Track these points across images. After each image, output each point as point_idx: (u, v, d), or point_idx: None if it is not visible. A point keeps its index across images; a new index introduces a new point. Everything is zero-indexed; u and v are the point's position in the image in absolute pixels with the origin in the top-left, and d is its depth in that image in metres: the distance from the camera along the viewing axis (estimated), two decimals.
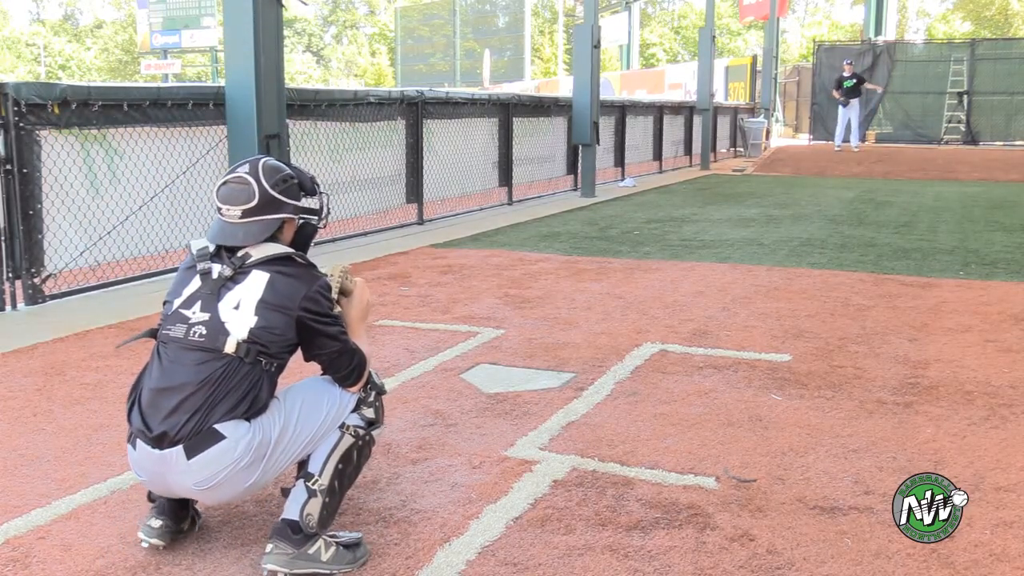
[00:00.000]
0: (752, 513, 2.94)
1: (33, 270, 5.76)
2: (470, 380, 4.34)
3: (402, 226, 9.50)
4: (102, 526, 2.83)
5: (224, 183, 2.68)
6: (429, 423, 3.75)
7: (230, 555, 2.66)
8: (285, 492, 2.64)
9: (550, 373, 4.46)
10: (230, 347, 2.51)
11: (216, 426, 2.47)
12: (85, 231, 6.12)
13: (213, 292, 2.59)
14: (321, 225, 2.85)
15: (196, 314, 2.57)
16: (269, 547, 2.52)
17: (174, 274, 2.80)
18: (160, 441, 2.48)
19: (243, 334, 2.53)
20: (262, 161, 2.71)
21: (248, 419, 2.51)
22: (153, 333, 2.67)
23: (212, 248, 2.67)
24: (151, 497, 2.72)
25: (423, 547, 2.71)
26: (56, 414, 3.84)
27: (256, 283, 2.58)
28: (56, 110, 5.84)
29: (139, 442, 2.53)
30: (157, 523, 2.65)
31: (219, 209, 2.66)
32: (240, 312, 2.55)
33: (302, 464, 2.63)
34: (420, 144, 9.77)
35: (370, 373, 2.80)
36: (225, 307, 2.56)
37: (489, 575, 2.56)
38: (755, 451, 3.46)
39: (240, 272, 2.60)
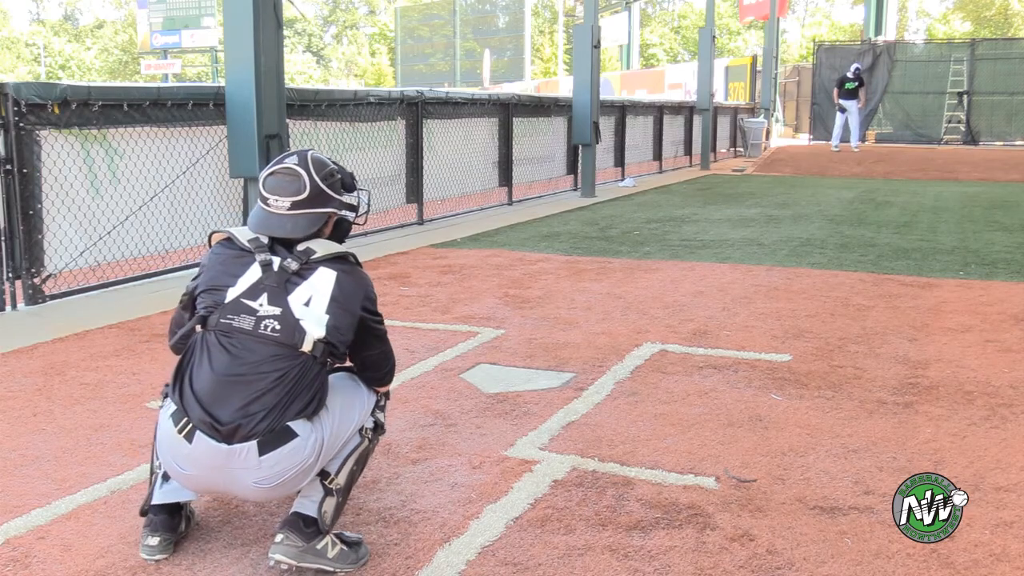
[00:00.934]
0: (752, 513, 2.94)
1: (33, 270, 5.76)
2: (470, 380, 4.34)
3: (402, 226, 9.50)
4: (102, 526, 2.83)
5: (272, 173, 2.63)
6: (429, 423, 3.75)
7: (230, 555, 2.66)
8: None
9: (550, 373, 4.46)
10: (307, 345, 2.49)
11: (290, 424, 2.46)
12: (85, 231, 6.12)
13: (279, 285, 2.53)
14: (360, 222, 2.82)
15: (264, 307, 2.51)
16: (279, 537, 2.51)
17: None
18: (231, 435, 2.42)
19: (320, 333, 2.51)
20: (310, 153, 2.69)
21: (310, 419, 2.51)
22: (202, 320, 2.56)
23: (265, 240, 2.61)
24: (143, 511, 2.68)
25: (423, 547, 2.71)
26: (56, 414, 3.84)
27: (325, 281, 2.56)
28: (56, 110, 5.83)
29: (199, 434, 2.43)
30: (154, 540, 2.61)
31: (265, 199, 2.61)
32: (311, 309, 2.52)
33: None
34: (420, 144, 9.77)
35: None
36: (296, 302, 2.52)
37: (489, 575, 2.56)
38: (755, 451, 3.46)
39: (306, 267, 2.57)
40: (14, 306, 5.72)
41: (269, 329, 2.49)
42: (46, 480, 3.17)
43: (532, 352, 4.81)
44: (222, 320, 2.51)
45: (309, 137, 8.17)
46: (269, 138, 6.72)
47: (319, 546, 2.53)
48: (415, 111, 9.69)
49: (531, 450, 3.46)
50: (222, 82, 6.97)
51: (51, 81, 7.03)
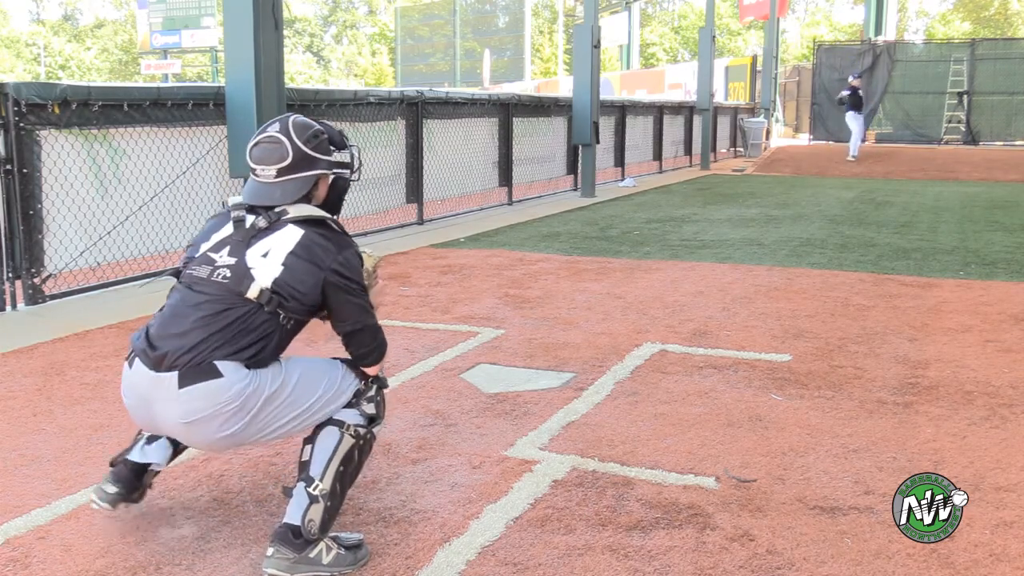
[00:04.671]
0: (752, 513, 2.94)
1: (33, 270, 5.76)
2: (470, 380, 4.34)
3: (402, 226, 9.50)
4: (102, 526, 2.83)
5: (256, 143, 2.68)
6: (429, 423, 3.75)
7: (230, 555, 2.66)
8: (287, 492, 2.61)
9: (550, 373, 4.46)
10: (253, 292, 2.52)
11: (216, 362, 2.46)
12: (85, 231, 6.12)
13: (243, 240, 2.60)
14: (354, 178, 2.84)
15: (223, 258, 2.58)
16: (270, 551, 2.51)
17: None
18: (159, 362, 2.47)
19: (267, 282, 2.53)
20: (291, 118, 2.71)
21: (248, 366, 2.50)
22: (177, 272, 2.68)
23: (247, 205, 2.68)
24: (113, 462, 2.77)
25: (423, 547, 2.71)
26: (56, 414, 3.84)
27: (289, 236, 2.59)
28: (56, 110, 5.84)
29: (137, 361, 2.53)
30: (112, 489, 2.70)
31: (253, 170, 2.67)
32: (267, 261, 2.56)
33: (303, 466, 2.60)
34: (420, 144, 9.77)
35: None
36: (253, 254, 2.57)
37: (489, 575, 2.56)
38: (755, 451, 3.46)
39: (275, 224, 2.61)
40: (14, 306, 5.72)
41: (220, 276, 2.56)
42: (46, 480, 3.17)
43: (532, 352, 4.81)
44: (186, 271, 2.64)
45: None
46: None
47: (312, 554, 2.51)
48: (415, 111, 9.69)
49: (531, 450, 3.46)
50: (222, 82, 6.98)
51: (51, 81, 7.04)
